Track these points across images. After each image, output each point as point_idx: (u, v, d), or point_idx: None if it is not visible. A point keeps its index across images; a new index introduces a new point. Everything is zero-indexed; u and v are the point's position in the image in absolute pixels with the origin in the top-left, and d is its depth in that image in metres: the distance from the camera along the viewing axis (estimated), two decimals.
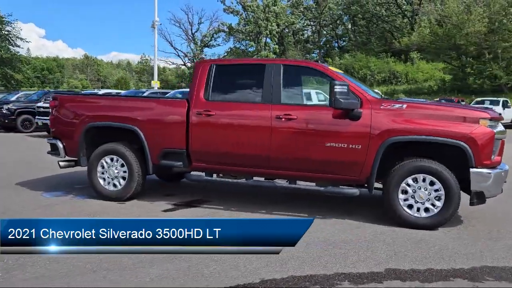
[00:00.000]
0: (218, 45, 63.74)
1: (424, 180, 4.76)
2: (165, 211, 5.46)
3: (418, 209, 4.80)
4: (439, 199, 4.73)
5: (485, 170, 4.63)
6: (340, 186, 5.21)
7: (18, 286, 3.11)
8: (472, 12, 31.83)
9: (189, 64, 49.69)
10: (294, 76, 5.46)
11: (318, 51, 47.88)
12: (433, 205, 4.75)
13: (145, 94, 16.04)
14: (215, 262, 3.64)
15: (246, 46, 48.36)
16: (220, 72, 5.54)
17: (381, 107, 4.88)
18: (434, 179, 4.71)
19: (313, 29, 49.25)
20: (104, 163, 5.87)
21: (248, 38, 43.70)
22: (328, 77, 5.18)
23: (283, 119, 5.09)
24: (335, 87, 4.70)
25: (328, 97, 5.23)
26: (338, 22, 46.21)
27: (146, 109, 5.69)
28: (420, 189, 4.77)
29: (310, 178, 5.28)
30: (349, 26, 47.07)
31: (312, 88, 9.77)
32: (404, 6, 41.41)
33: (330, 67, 5.38)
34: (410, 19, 41.23)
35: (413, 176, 4.78)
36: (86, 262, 3.59)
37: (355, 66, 39.55)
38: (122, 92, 19.99)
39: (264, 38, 41.56)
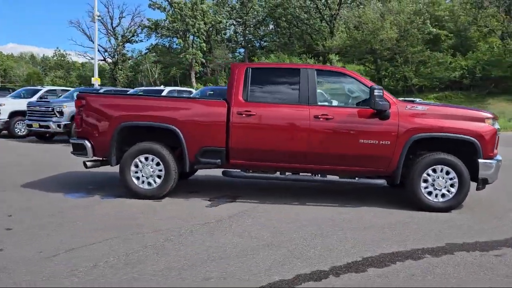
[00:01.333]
0: (141, 41, 61.97)
1: (441, 170, 5.66)
2: (209, 206, 5.75)
3: (436, 195, 5.70)
4: (453, 186, 5.66)
5: (489, 161, 5.66)
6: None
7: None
8: (385, 20, 34.92)
9: (109, 60, 47.72)
10: (326, 80, 6.06)
11: (244, 50, 48.84)
12: (448, 191, 5.68)
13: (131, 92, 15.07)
14: None
15: (171, 43, 47.85)
16: (256, 75, 5.96)
17: (406, 108, 5.69)
18: (450, 169, 5.64)
19: (236, 28, 50.15)
20: (139, 162, 5.97)
21: (175, 35, 43.27)
22: (358, 82, 5.90)
23: (321, 119, 5.68)
24: (375, 91, 5.42)
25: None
26: (263, 23, 47.59)
27: (185, 109, 5.91)
28: (438, 178, 5.67)
29: (342, 171, 5.92)
30: (272, 28, 48.73)
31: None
32: (324, 11, 43.86)
33: (357, 73, 6.07)
34: (329, 23, 43.83)
35: (433, 167, 5.66)
36: None
37: None
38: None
39: (192, 36, 41.45)
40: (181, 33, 41.24)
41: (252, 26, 47.04)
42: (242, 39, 49.65)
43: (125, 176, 5.97)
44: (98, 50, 35.07)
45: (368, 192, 6.81)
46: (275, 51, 45.43)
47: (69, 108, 12.78)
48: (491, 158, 5.68)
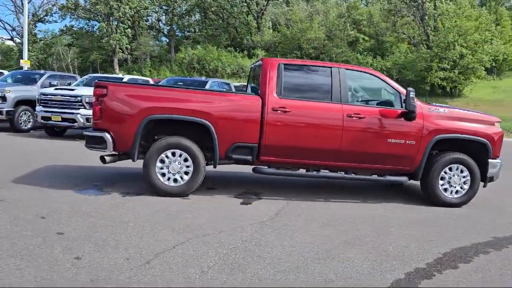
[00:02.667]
0: (55, 21, 56.80)
1: (457, 168, 6.13)
2: (244, 204, 5.59)
3: (451, 192, 6.15)
4: (465, 183, 6.16)
5: (495, 161, 6.25)
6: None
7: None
8: (313, 20, 36.31)
9: (17, 40, 43.29)
10: (355, 79, 6.18)
11: (167, 39, 47.38)
12: (461, 188, 6.16)
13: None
14: None
15: (90, 26, 44.73)
16: (288, 71, 5.89)
17: (429, 110, 6.05)
18: (464, 168, 6.13)
19: (158, 16, 48.49)
20: (165, 158, 5.60)
21: (97, 18, 40.50)
22: (383, 82, 6.13)
23: (354, 118, 5.81)
24: (411, 93, 5.68)
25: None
26: (190, 13, 46.56)
27: (219, 103, 5.66)
28: (454, 176, 6.13)
29: (367, 169, 6.11)
30: (199, 18, 47.94)
31: None
32: (251, 5, 44.20)
33: (381, 74, 6.29)
34: (257, 18, 44.33)
35: (449, 166, 6.10)
36: None
37: (207, 58, 40.68)
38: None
39: (116, 21, 39.16)
40: (103, 15, 38.71)
41: (178, 15, 45.80)
42: (164, 27, 48.15)
43: (150, 172, 5.56)
44: (5, 28, 31.54)
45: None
46: (202, 43, 44.85)
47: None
48: (497, 158, 6.28)
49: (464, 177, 6.16)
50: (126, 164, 6.22)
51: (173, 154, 5.63)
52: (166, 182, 5.64)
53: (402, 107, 5.97)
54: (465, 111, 6.49)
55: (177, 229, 4.35)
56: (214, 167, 5.82)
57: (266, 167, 5.97)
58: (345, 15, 37.43)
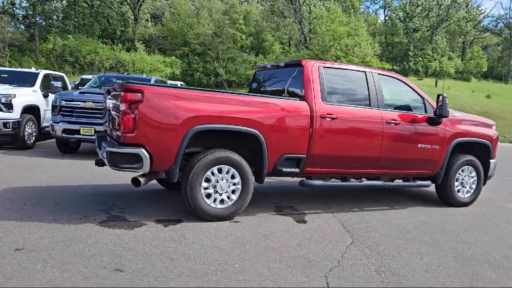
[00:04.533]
0: None
1: (468, 170, 6.46)
2: (300, 222, 5.03)
3: (463, 192, 6.47)
4: (473, 183, 6.55)
5: (494, 161, 6.76)
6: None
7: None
8: (200, 15, 35.66)
9: None
10: (385, 83, 6.01)
11: (29, 27, 41.55)
12: (470, 188, 6.53)
13: None
14: None
15: None
16: (328, 75, 5.47)
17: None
18: (473, 169, 6.50)
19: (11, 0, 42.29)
20: (211, 175, 4.72)
21: None
22: (407, 87, 6.12)
23: (392, 124, 5.68)
24: (446, 99, 5.75)
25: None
26: None
27: (269, 110, 4.96)
28: (466, 177, 6.45)
29: (397, 174, 6.05)
30: (66, 4, 43.13)
31: None
32: None
33: (406, 79, 6.24)
34: (134, 9, 41.82)
35: (462, 167, 6.40)
36: None
37: (82, 50, 36.95)
38: None
39: None
40: None
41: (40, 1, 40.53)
42: (20, 12, 42.19)
43: (195, 193, 4.62)
44: None
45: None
46: (73, 32, 40.68)
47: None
48: (494, 158, 6.80)
49: (472, 177, 6.53)
50: (108, 180, 5.11)
51: (220, 170, 4.78)
52: (213, 204, 4.77)
53: (425, 112, 6.05)
54: (470, 115, 6.88)
55: (294, 264, 3.66)
56: (261, 182, 5.11)
57: (318, 179, 5.49)
58: (228, 12, 37.51)
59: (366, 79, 5.72)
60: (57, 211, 4.79)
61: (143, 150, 4.37)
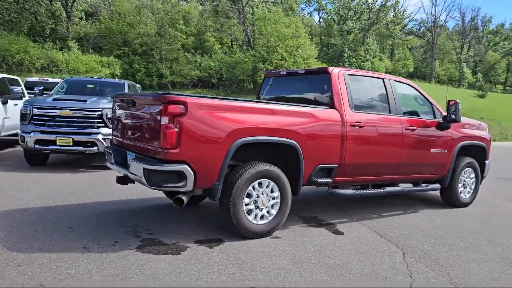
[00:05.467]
0: None
1: (469, 172, 6.73)
2: (336, 233, 4.90)
3: (465, 193, 6.74)
4: (473, 184, 6.84)
5: (488, 161, 7.10)
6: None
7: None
8: (142, 14, 34.44)
9: None
10: (400, 90, 6.04)
11: None
12: (470, 189, 6.81)
13: None
14: None
15: None
16: (352, 82, 5.40)
17: None
18: (472, 170, 6.78)
19: None
20: (252, 190, 4.45)
21: None
22: (417, 92, 6.23)
23: (410, 130, 5.75)
24: (458, 105, 5.93)
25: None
26: None
27: (305, 119, 4.77)
28: (467, 178, 6.72)
29: (411, 179, 6.13)
30: None
31: None
32: None
33: (416, 85, 6.32)
34: (66, 6, 39.40)
35: (464, 169, 6.65)
36: None
37: (11, 49, 34.11)
38: None
39: None
40: None
41: None
42: None
43: (238, 210, 4.33)
44: None
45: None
46: None
47: None
48: (488, 159, 7.15)
49: (471, 178, 6.81)
50: (106, 197, 4.71)
51: (260, 184, 4.52)
52: (254, 221, 4.50)
53: (434, 117, 6.19)
54: (468, 119, 7.15)
55: (375, 283, 3.52)
56: (296, 195, 4.91)
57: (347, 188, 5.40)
58: (170, 12, 36.60)
59: (385, 86, 5.74)
60: (79, 237, 4.26)
61: (187, 167, 4.00)
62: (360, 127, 5.21)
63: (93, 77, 11.01)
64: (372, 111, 5.51)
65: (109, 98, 8.76)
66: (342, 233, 4.93)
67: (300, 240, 4.56)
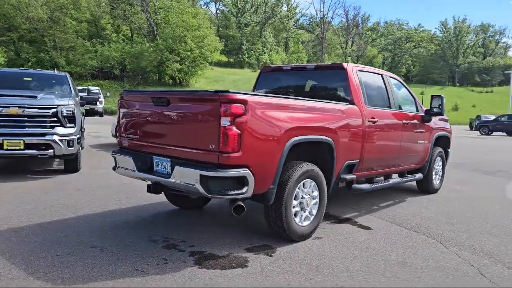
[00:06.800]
0: None
1: (439, 160, 7.32)
2: (365, 228, 4.96)
3: (435, 180, 7.32)
4: (441, 171, 7.46)
5: (450, 150, 7.79)
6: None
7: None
8: None
9: None
10: (393, 85, 6.26)
11: None
12: (440, 176, 7.43)
13: None
14: None
15: None
16: (362, 78, 5.48)
17: None
18: (440, 159, 7.39)
19: None
20: (299, 192, 4.30)
21: None
22: (404, 88, 6.56)
23: (406, 123, 6.05)
24: (443, 99, 6.38)
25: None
26: None
27: (336, 116, 4.72)
28: (438, 166, 7.31)
29: (402, 170, 6.44)
30: None
31: None
32: None
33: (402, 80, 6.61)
34: None
35: (437, 158, 7.22)
36: None
37: None
38: None
39: None
40: None
41: None
42: None
43: (288, 213, 4.14)
44: None
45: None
46: None
47: None
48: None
49: (439, 166, 7.42)
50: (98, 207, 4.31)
51: (304, 185, 4.37)
52: (300, 223, 4.35)
53: (417, 111, 6.59)
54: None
55: (453, 276, 3.63)
56: (329, 193, 4.84)
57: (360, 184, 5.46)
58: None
59: (384, 81, 5.93)
60: (117, 257, 3.69)
61: (249, 172, 3.70)
62: (374, 122, 5.32)
63: (27, 69, 9.57)
64: (379, 107, 5.66)
65: (63, 93, 7.75)
66: (368, 228, 5.00)
67: (341, 238, 4.53)
